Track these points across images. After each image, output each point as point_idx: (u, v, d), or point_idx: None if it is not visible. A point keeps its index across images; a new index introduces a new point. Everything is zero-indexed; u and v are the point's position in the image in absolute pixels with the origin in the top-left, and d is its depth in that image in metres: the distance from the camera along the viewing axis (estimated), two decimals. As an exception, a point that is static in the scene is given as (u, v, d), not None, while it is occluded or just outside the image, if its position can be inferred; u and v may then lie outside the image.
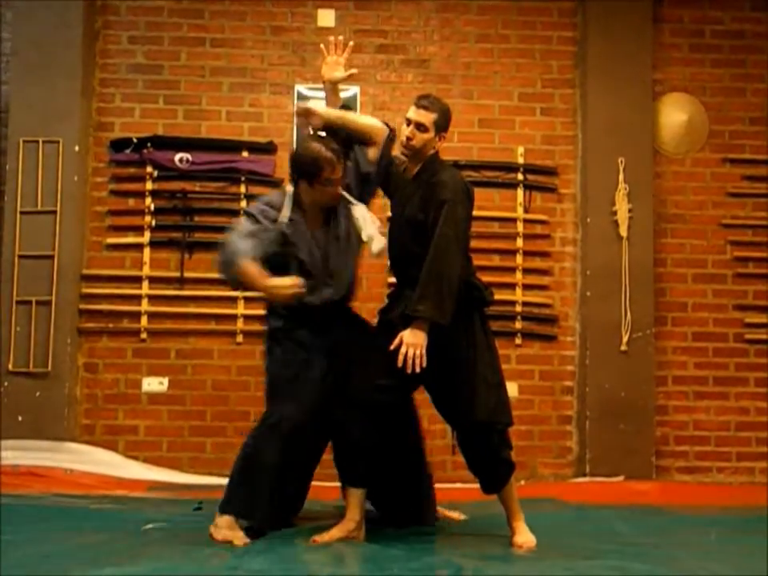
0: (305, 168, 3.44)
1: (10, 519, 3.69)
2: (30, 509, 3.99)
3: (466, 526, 3.86)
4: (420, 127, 3.44)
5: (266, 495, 3.40)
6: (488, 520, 3.86)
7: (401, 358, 3.23)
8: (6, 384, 5.07)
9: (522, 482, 5.01)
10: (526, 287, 5.43)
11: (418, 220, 3.41)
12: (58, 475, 4.73)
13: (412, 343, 3.25)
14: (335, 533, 3.39)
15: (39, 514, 3.88)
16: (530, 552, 3.36)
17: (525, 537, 3.45)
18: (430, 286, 3.25)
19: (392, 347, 3.26)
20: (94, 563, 2.96)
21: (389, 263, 3.69)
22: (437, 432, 5.23)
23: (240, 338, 5.28)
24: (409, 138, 3.46)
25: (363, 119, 3.71)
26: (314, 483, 3.70)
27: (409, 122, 3.48)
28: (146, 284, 5.32)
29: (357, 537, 3.42)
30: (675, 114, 5.57)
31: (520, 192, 5.48)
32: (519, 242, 5.44)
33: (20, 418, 5.02)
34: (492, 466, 3.45)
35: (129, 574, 2.87)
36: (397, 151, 3.62)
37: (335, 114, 3.62)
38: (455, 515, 3.96)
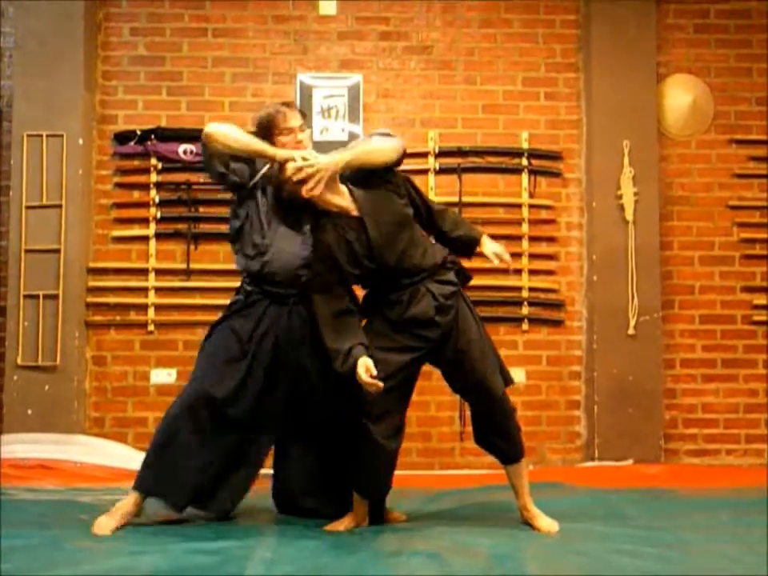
0: (261, 127, 3.49)
1: (18, 512, 3.71)
2: (39, 502, 4.01)
3: (473, 511, 3.87)
4: None
5: (178, 473, 3.42)
6: (495, 506, 3.88)
7: (506, 257, 3.55)
8: (15, 378, 5.09)
9: (531, 467, 5.00)
10: (532, 273, 5.42)
11: (406, 213, 3.48)
12: (67, 468, 4.75)
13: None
14: (346, 523, 3.47)
15: (48, 506, 3.89)
16: (542, 536, 3.38)
17: (546, 520, 3.48)
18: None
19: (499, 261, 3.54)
20: (106, 554, 2.97)
21: (381, 280, 3.49)
22: (444, 419, 5.28)
23: (247, 329, 5.28)
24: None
25: (380, 152, 3.46)
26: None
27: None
28: (152, 276, 5.33)
29: (363, 523, 3.50)
30: (680, 96, 5.54)
31: (525, 177, 5.46)
32: (524, 228, 5.43)
33: (29, 412, 5.04)
34: (514, 429, 3.48)
35: (141, 564, 2.89)
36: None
37: (348, 158, 3.39)
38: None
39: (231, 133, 3.40)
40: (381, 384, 3.23)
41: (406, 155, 3.58)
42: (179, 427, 3.45)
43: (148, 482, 3.44)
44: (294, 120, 3.51)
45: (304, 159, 3.31)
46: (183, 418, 3.45)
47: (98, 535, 3.27)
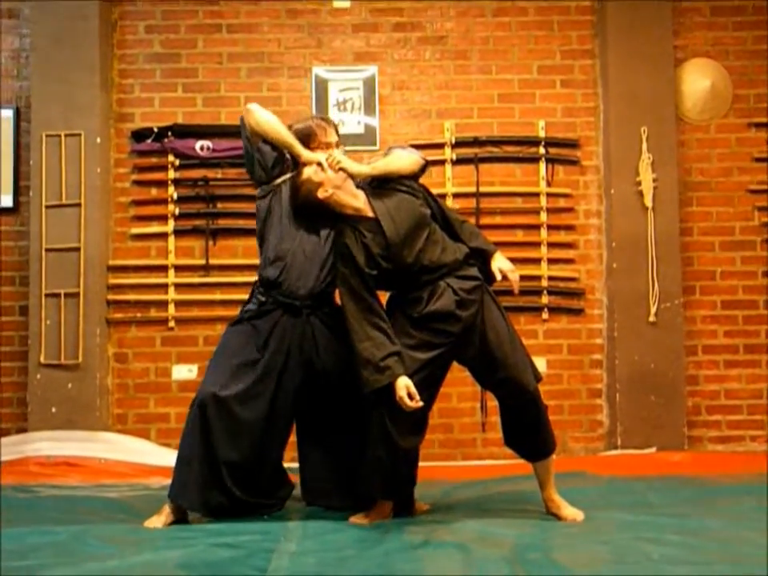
0: (299, 136, 3.58)
1: (44, 508, 3.75)
2: (64, 498, 4.05)
3: (496, 501, 3.86)
4: None
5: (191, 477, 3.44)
6: (519, 496, 3.88)
7: (512, 277, 3.50)
8: (38, 376, 5.13)
9: (553, 457, 4.99)
10: (551, 261, 5.40)
11: (423, 213, 3.51)
12: (92, 465, 4.78)
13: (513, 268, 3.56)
14: (371, 516, 3.48)
15: (74, 502, 3.93)
16: (567, 525, 3.37)
17: (571, 510, 3.49)
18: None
19: (501, 276, 3.50)
20: (132, 550, 2.99)
21: (401, 280, 3.52)
22: (466, 410, 5.28)
23: (267, 323, 5.29)
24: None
25: (401, 163, 3.59)
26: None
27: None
28: (171, 272, 5.35)
29: (388, 518, 3.51)
30: (698, 81, 5.49)
31: (542, 166, 5.43)
32: (543, 217, 5.40)
33: (53, 410, 5.08)
34: (546, 425, 3.49)
35: (167, 558, 2.91)
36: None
37: (376, 169, 3.55)
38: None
39: (267, 116, 3.56)
40: (421, 403, 3.26)
41: (426, 170, 3.68)
42: (190, 432, 3.48)
43: (171, 487, 3.49)
44: (333, 136, 3.64)
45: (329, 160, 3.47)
46: (193, 421, 3.49)
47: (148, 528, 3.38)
